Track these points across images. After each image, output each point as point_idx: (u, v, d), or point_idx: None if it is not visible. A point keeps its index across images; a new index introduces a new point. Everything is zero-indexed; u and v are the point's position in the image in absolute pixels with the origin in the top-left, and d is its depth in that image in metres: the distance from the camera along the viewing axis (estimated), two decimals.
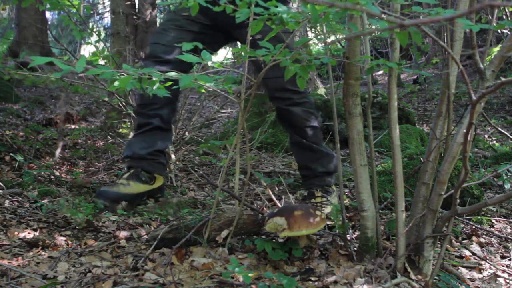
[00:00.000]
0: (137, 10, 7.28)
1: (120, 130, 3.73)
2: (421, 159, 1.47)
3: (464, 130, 1.25)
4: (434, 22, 0.43)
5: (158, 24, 7.99)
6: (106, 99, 3.54)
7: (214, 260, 1.36)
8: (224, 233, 1.46)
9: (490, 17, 1.51)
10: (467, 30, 1.41)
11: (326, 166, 2.10)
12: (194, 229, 1.45)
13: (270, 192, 1.83)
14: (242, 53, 1.19)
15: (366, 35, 1.56)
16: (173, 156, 2.73)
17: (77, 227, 1.72)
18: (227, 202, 2.17)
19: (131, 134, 3.23)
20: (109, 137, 3.61)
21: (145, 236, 1.64)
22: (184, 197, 2.30)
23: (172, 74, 1.09)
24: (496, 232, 2.00)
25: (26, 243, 1.49)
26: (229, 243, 1.48)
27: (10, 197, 1.92)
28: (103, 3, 12.49)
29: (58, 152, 2.73)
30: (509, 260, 1.75)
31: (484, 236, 1.95)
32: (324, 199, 2.03)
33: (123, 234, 1.65)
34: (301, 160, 2.13)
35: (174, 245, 1.38)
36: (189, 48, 1.18)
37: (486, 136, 5.15)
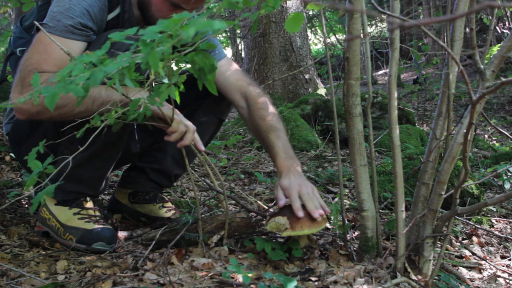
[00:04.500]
0: None
1: None
2: (421, 159, 1.47)
3: (464, 130, 1.25)
4: (434, 23, 0.43)
5: None
6: None
7: (214, 260, 1.36)
8: (216, 237, 1.46)
9: (490, 17, 1.51)
10: (467, 30, 1.40)
11: None
12: (183, 231, 1.45)
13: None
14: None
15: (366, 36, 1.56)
16: None
17: None
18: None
19: None
20: None
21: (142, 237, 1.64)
22: (184, 197, 2.30)
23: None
24: (496, 232, 2.00)
25: (27, 243, 1.50)
26: (228, 244, 1.48)
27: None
28: None
29: None
30: (509, 260, 1.75)
31: (484, 236, 1.96)
32: None
33: (123, 234, 1.65)
34: None
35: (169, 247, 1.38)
36: None
37: (486, 136, 5.16)
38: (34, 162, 0.92)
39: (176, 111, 1.36)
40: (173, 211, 1.85)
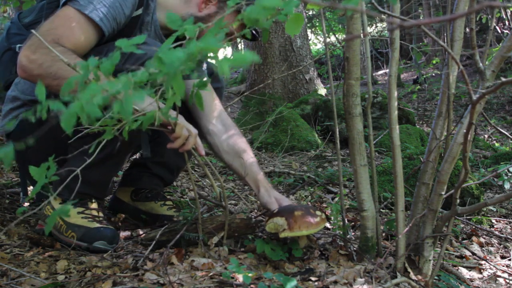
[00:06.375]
0: None
1: None
2: (421, 159, 1.47)
3: (464, 130, 1.25)
4: (434, 23, 0.43)
5: None
6: None
7: (214, 260, 1.36)
8: (215, 238, 1.46)
9: (490, 17, 1.51)
10: (467, 30, 1.41)
11: None
12: (183, 231, 1.45)
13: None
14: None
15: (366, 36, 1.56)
16: None
17: None
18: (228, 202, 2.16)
19: None
20: None
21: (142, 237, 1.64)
22: (184, 197, 2.30)
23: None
24: (496, 232, 2.00)
25: (27, 242, 1.49)
26: (229, 245, 1.48)
27: (10, 197, 1.92)
28: None
29: None
30: (509, 260, 1.75)
31: (484, 236, 1.96)
32: None
33: (123, 234, 1.65)
34: None
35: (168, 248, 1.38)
36: None
37: (486, 136, 5.16)
38: (38, 172, 0.91)
39: (179, 115, 1.35)
40: (174, 209, 1.85)
